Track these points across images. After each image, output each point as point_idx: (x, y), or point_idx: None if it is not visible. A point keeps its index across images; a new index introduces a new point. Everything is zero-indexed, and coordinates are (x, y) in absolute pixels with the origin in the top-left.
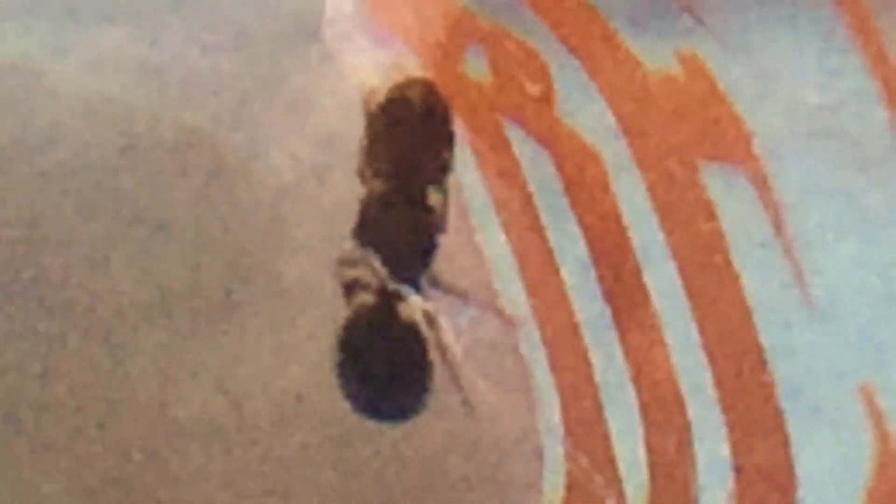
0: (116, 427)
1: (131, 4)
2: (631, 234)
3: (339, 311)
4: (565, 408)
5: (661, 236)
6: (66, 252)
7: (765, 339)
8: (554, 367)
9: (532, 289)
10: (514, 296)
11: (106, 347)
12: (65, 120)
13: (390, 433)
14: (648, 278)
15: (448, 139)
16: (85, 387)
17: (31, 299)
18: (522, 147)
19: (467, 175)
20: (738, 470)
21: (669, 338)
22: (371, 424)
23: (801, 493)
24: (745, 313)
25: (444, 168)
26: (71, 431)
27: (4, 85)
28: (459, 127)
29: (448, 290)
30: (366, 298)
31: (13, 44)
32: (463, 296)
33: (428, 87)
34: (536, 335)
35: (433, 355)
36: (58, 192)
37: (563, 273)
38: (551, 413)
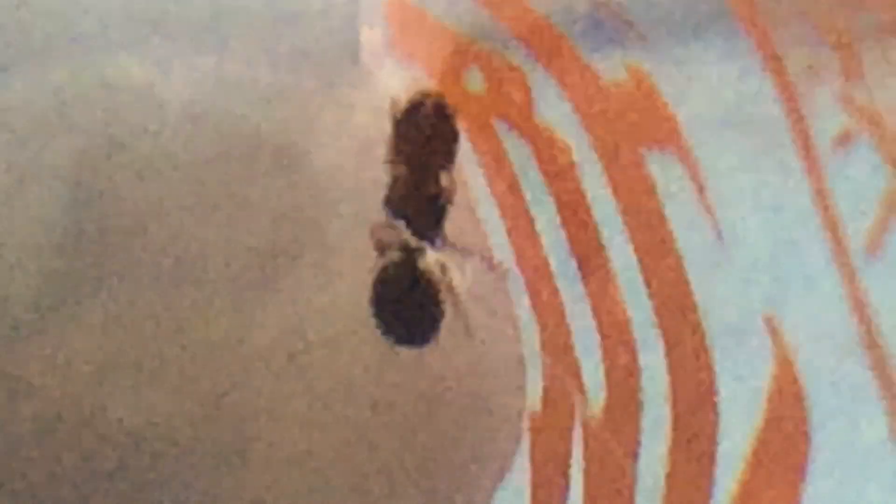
0: (203, 353)
1: (219, 32)
2: (592, 204)
3: (373, 264)
4: (543, 335)
5: (614, 206)
6: (170, 226)
7: (691, 280)
8: (534, 305)
9: (517, 246)
10: (504, 251)
11: (200, 294)
12: (169, 126)
13: (410, 358)
14: (605, 238)
15: (454, 136)
16: (188, 327)
17: (145, 262)
18: (509, 141)
19: (468, 162)
20: (674, 381)
21: (621, 282)
22: (396, 351)
23: (718, 398)
24: (677, 261)
25: (451, 157)
26: (176, 361)
27: (117, 97)
28: (462, 126)
29: (455, 247)
30: (393, 254)
31: (125, 61)
32: (465, 251)
33: (438, 97)
34: (520, 281)
35: (444, 295)
36: (163, 184)
37: (541, 234)
38: (532, 339)
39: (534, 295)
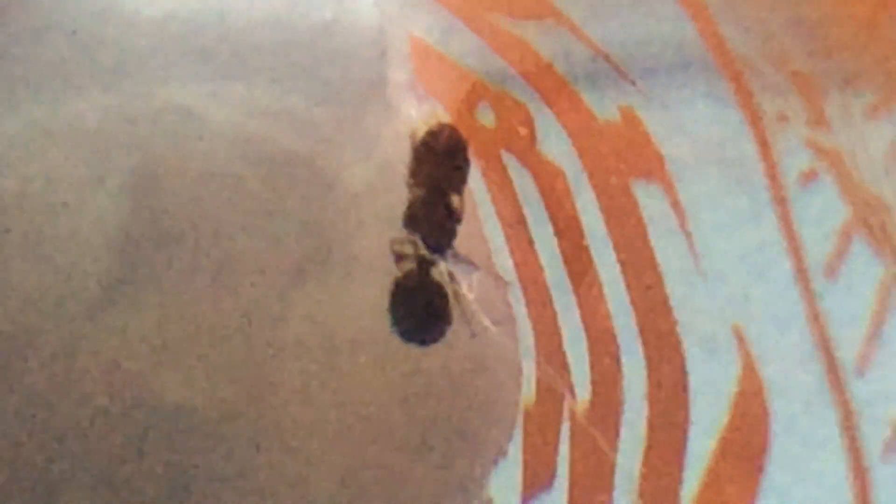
0: (241, 343)
1: (261, 65)
2: (584, 226)
3: (393, 274)
4: (537, 338)
5: (603, 228)
6: (213, 232)
7: (669, 294)
8: (530, 311)
9: (517, 260)
10: (505, 264)
11: (239, 291)
12: (213, 146)
13: (421, 354)
14: (594, 255)
15: (465, 163)
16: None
17: (192, 262)
18: (514, 169)
19: (477, 187)
20: (652, 381)
21: (607, 294)
22: (410, 348)
23: (690, 397)
24: (657, 277)
25: (462, 182)
26: (218, 349)
27: (167, 120)
28: (473, 156)
29: (463, 260)
30: (409, 265)
31: (177, 90)
32: (472, 264)
33: (452, 129)
34: (518, 290)
35: (452, 302)
36: (207, 196)
37: (538, 251)
38: (528, 341)
39: (530, 303)
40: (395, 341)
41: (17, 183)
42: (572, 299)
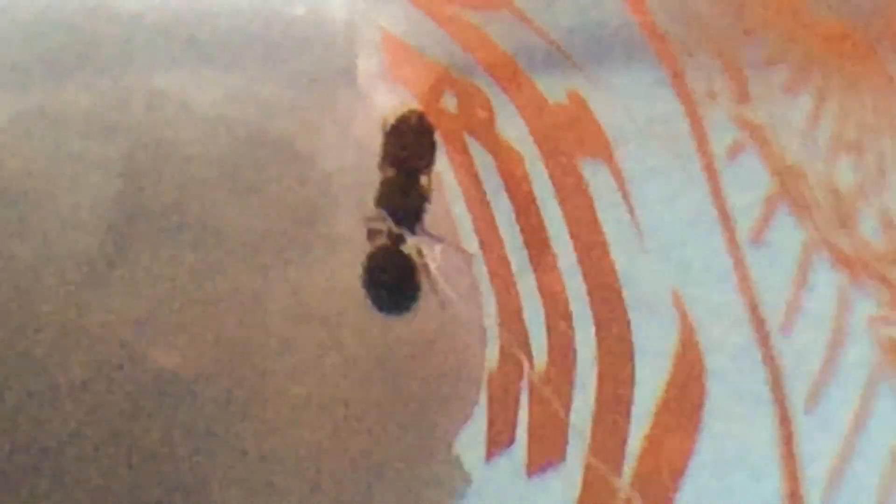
0: (227, 310)
1: (242, 55)
2: (539, 202)
3: (366, 248)
4: (499, 307)
5: (556, 203)
6: (201, 209)
7: (615, 262)
8: (492, 282)
9: (480, 235)
10: (469, 239)
11: (226, 263)
12: (200, 128)
13: (393, 323)
14: (549, 229)
15: (432, 146)
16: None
17: (181, 235)
18: (476, 151)
19: (443, 168)
20: (600, 345)
21: (561, 265)
22: (382, 316)
23: (634, 359)
24: (604, 247)
25: (430, 163)
26: (205, 316)
27: (158, 103)
28: (439, 139)
29: (431, 235)
30: (381, 240)
31: (164, 78)
32: (439, 238)
33: (420, 115)
34: (482, 262)
35: (421, 275)
36: (195, 175)
37: (499, 225)
38: (490, 310)
39: (492, 274)
40: (370, 310)
41: (17, 163)
42: (530, 271)
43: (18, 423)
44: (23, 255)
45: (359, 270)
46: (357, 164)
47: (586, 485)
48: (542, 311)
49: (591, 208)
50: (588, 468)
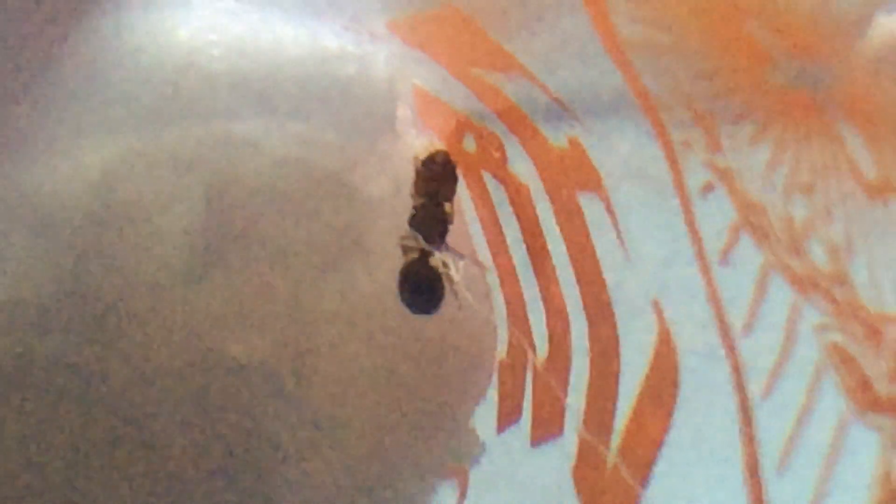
0: (288, 312)
1: (302, 105)
2: (542, 226)
3: (401, 262)
4: (508, 308)
5: (556, 228)
6: (268, 228)
7: (605, 276)
8: (503, 289)
9: (493, 252)
10: (484, 255)
11: (287, 271)
12: (265, 165)
13: (422, 322)
14: (550, 248)
15: (455, 179)
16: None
17: (252, 250)
18: (491, 184)
19: (464, 197)
20: (592, 342)
21: (560, 277)
22: (414, 317)
23: (620, 355)
24: (596, 263)
25: (453, 193)
26: (271, 316)
27: (233, 150)
28: (460, 174)
29: (453, 251)
30: (413, 255)
31: (240, 124)
32: (460, 254)
33: (445, 154)
34: (494, 273)
35: (445, 282)
36: (264, 202)
37: (509, 244)
38: (501, 311)
39: (503, 283)
40: (403, 312)
41: (124, 191)
42: (534, 281)
43: (120, 405)
44: (126, 264)
45: (394, 279)
46: (394, 193)
47: (580, 453)
48: (543, 313)
49: (586, 232)
50: (581, 440)
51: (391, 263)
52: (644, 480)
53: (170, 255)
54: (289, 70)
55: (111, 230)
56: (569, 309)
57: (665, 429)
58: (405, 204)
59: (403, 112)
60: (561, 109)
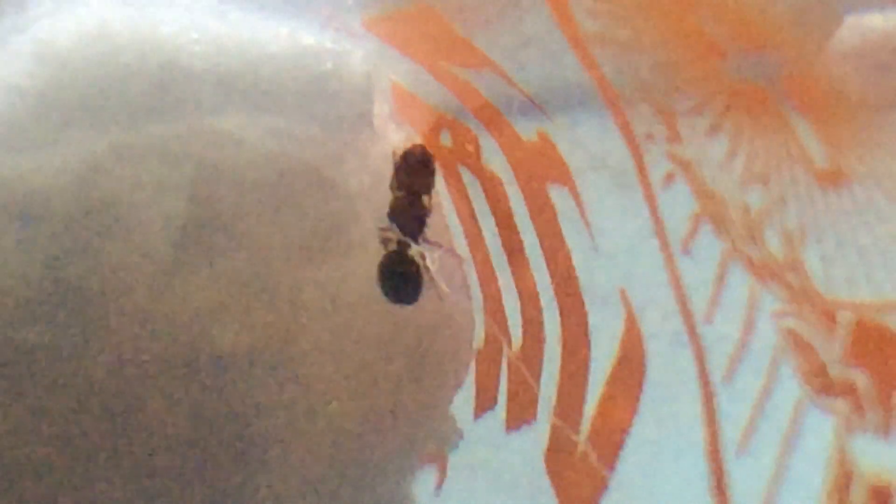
0: (272, 302)
1: (282, 101)
2: (515, 218)
3: (380, 253)
4: (484, 299)
5: (528, 219)
6: (252, 221)
7: (575, 265)
8: (479, 279)
9: (470, 242)
10: (461, 246)
11: (271, 263)
12: (249, 159)
13: (401, 311)
14: (523, 239)
15: (432, 173)
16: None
17: (236, 240)
18: (466, 177)
19: (441, 190)
20: (564, 331)
21: (533, 267)
22: (393, 307)
23: (590, 342)
24: (567, 253)
25: (430, 186)
26: (256, 306)
27: (216, 143)
28: (437, 167)
29: (430, 242)
30: (392, 246)
31: (222, 119)
32: (437, 245)
33: (423, 148)
34: (471, 264)
35: (424, 274)
36: (247, 195)
37: (484, 236)
38: (478, 301)
39: (479, 274)
40: (383, 302)
41: (109, 184)
42: (508, 271)
43: (105, 394)
44: (111, 255)
45: (374, 270)
46: (373, 187)
47: (552, 439)
48: (518, 303)
49: (556, 223)
50: (553, 426)
51: (371, 255)
52: (611, 464)
53: (154, 247)
54: (269, 66)
55: (96, 222)
56: (541, 298)
57: (632, 414)
58: (384, 197)
59: (381, 108)
60: (530, 105)
